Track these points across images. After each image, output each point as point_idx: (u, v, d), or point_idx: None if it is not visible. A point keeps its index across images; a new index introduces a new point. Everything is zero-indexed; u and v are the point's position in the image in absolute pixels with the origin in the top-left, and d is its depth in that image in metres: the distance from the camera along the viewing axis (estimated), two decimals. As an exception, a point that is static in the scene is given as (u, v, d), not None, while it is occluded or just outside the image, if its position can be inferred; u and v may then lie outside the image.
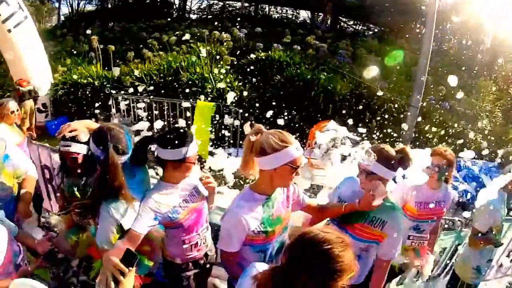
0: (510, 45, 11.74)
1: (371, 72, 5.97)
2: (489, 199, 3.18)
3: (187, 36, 8.97)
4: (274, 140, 2.01)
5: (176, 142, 2.15)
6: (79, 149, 2.77)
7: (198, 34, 10.39)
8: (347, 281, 1.40)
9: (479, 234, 3.14)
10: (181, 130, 2.23)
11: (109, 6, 16.58)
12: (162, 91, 8.46)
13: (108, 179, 2.05)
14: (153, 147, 2.26)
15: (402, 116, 8.66)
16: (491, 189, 3.27)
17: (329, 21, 15.69)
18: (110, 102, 8.10)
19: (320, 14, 15.66)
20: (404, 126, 7.98)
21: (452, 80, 3.70)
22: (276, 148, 2.00)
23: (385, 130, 7.35)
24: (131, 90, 8.15)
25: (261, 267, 1.75)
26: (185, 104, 7.11)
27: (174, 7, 16.80)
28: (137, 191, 2.22)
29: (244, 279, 1.77)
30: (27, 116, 6.91)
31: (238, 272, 2.06)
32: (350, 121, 5.72)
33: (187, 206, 2.34)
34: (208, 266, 2.64)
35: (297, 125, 7.99)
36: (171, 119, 7.65)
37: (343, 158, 5.18)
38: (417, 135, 8.36)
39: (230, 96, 6.36)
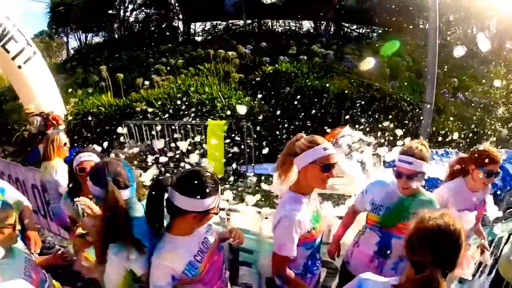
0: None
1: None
2: None
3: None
4: (304, 141, 2.18)
5: (205, 190, 1.84)
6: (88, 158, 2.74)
7: (204, 55, 10.49)
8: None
9: None
10: (208, 174, 1.90)
11: (116, 36, 16.99)
12: (173, 115, 8.50)
13: (111, 219, 1.84)
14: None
15: (416, 113, 8.53)
16: None
17: (332, 28, 15.70)
18: (122, 130, 8.15)
19: (322, 22, 15.66)
20: (421, 124, 7.89)
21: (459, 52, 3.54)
22: (303, 148, 2.15)
23: (401, 130, 7.22)
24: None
25: (373, 276, 1.78)
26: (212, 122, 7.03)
27: (179, 31, 17.19)
28: (145, 230, 1.96)
29: None
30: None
31: (293, 279, 2.24)
32: (365, 125, 5.65)
33: (203, 257, 2.02)
34: None
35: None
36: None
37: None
38: (434, 130, 8.21)
39: (241, 109, 6.35)
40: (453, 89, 9.77)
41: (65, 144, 3.90)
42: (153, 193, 1.86)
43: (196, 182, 1.83)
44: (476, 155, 2.77)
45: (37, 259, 2.55)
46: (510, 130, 9.19)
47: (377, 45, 12.17)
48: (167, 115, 8.26)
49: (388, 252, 2.48)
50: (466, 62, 11.20)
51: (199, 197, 1.81)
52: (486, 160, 2.69)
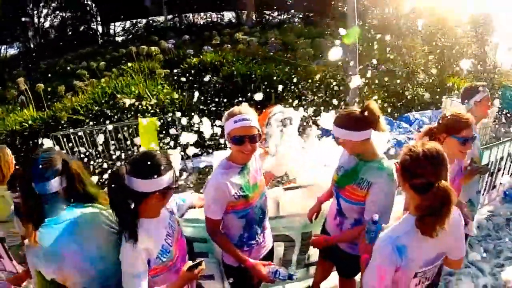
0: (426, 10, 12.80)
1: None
2: None
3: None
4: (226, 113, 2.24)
5: (161, 167, 1.81)
6: None
7: (126, 53, 10.19)
8: None
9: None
10: (158, 152, 1.87)
11: (32, 46, 15.92)
12: (101, 119, 8.16)
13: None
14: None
15: (343, 88, 8.88)
16: None
17: (254, 17, 15.83)
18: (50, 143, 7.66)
19: (244, 11, 15.76)
20: (348, 96, 8.27)
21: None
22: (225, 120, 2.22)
23: (330, 105, 7.49)
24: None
25: (395, 232, 1.80)
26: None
27: (98, 33, 16.44)
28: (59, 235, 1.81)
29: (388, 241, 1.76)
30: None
31: (224, 242, 2.30)
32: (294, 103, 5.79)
33: (172, 240, 2.00)
34: None
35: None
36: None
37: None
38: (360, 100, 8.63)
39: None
40: (375, 63, 10.30)
41: (11, 158, 3.11)
42: (113, 185, 1.78)
43: (150, 162, 1.80)
44: (444, 122, 2.54)
45: None
46: (432, 94, 9.96)
47: (298, 29, 12.53)
48: (95, 121, 7.93)
49: (343, 212, 2.50)
50: (385, 38, 11.89)
51: (156, 176, 1.78)
52: (458, 126, 2.46)
